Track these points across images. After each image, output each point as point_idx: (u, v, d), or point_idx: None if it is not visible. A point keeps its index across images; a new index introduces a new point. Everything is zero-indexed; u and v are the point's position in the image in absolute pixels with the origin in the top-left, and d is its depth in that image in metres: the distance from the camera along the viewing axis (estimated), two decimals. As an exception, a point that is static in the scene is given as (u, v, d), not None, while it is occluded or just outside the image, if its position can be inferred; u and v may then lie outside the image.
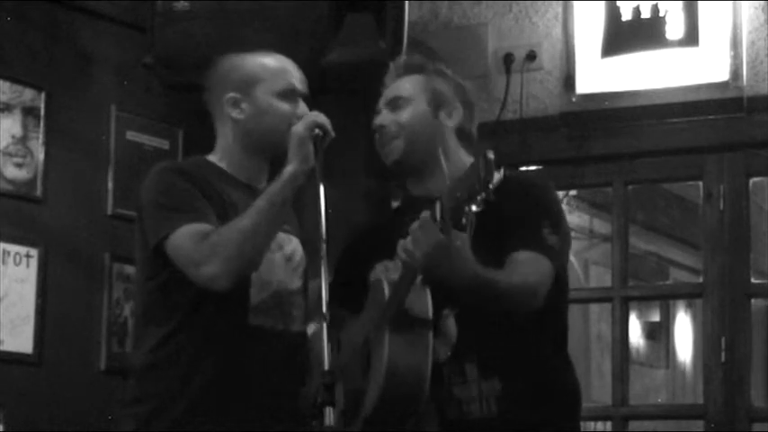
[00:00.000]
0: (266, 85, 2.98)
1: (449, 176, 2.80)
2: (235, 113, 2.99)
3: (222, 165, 3.01)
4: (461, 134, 3.00)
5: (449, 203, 2.45)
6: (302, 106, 2.96)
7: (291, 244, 3.00)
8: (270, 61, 3.03)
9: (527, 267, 2.74)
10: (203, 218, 2.83)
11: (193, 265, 2.79)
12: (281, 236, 2.97)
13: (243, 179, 2.97)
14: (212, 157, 3.03)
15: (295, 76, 3.01)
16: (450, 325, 2.82)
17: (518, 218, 2.79)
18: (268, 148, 2.98)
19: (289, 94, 2.97)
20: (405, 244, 2.60)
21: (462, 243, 2.57)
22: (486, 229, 2.62)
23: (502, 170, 2.36)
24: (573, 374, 2.94)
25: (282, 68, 3.02)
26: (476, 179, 2.36)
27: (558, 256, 2.83)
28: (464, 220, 2.45)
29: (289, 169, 2.82)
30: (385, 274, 2.84)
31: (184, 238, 2.80)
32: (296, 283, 2.97)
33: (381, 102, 3.02)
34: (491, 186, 2.35)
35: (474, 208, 2.39)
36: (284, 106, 2.96)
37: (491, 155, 2.36)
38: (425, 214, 2.55)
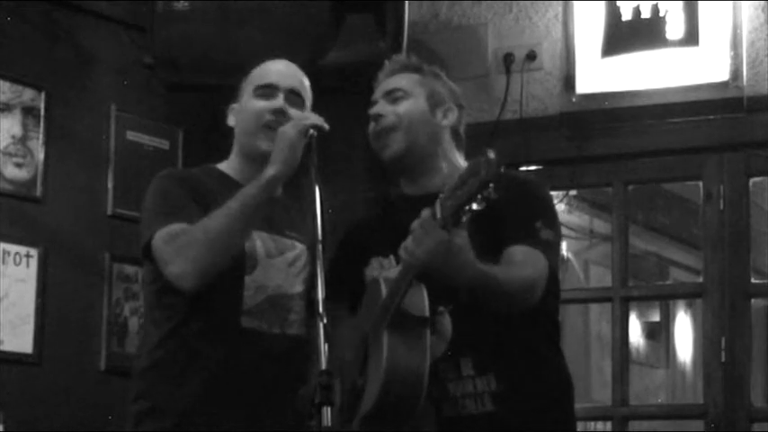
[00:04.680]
0: (249, 87, 2.99)
1: (446, 176, 2.80)
2: (231, 121, 3.01)
3: (228, 171, 3.01)
4: (455, 135, 3.00)
5: (450, 202, 2.45)
6: (278, 101, 2.91)
7: (295, 250, 2.98)
8: (264, 65, 3.02)
9: (524, 263, 2.75)
10: (186, 220, 2.82)
11: (164, 264, 2.80)
12: (285, 241, 2.96)
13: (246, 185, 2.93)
14: (222, 165, 3.03)
15: (275, 71, 2.97)
16: (446, 322, 2.81)
17: (512, 213, 2.79)
18: (249, 150, 2.95)
19: (264, 90, 2.95)
20: (407, 243, 2.59)
21: (463, 240, 2.57)
22: (481, 225, 2.62)
23: (501, 168, 2.36)
24: (565, 367, 2.94)
25: (264, 67, 3.01)
26: (477, 178, 2.36)
27: (553, 251, 2.84)
28: (464, 219, 2.45)
29: (269, 171, 2.78)
30: (380, 271, 2.84)
31: (160, 238, 2.81)
32: (296, 287, 2.96)
33: (378, 93, 3.00)
34: (491, 186, 2.35)
35: (475, 207, 2.39)
36: (257, 103, 2.94)
37: (492, 154, 2.36)
38: (426, 212, 2.55)
